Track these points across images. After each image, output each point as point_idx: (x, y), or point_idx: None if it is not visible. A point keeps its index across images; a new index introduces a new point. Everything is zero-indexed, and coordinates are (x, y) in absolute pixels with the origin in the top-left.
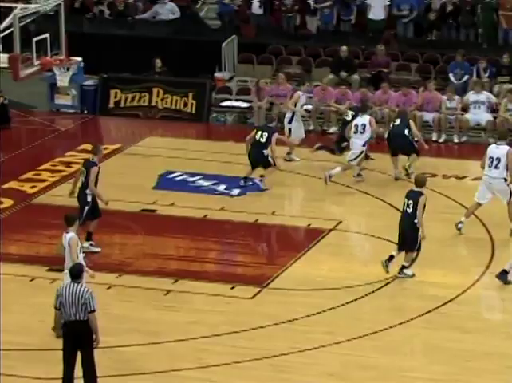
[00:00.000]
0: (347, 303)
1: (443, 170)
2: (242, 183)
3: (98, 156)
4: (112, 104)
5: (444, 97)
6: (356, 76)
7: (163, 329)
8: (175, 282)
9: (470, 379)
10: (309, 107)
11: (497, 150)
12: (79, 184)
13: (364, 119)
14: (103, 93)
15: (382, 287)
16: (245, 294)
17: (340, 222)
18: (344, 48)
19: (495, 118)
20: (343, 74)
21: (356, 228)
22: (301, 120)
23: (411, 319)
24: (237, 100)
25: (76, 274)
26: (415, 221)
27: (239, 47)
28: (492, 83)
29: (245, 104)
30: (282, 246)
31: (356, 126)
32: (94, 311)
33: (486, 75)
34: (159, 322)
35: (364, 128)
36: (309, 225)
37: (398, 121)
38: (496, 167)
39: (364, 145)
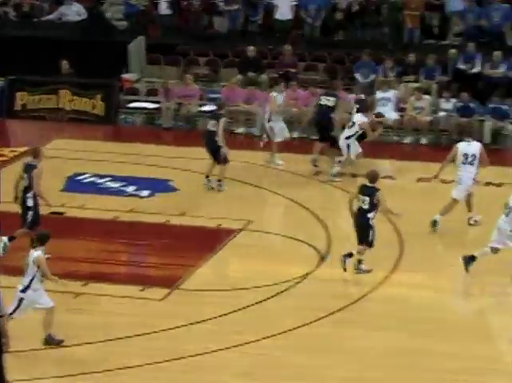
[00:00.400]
0: (257, 303)
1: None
2: (205, 182)
3: (39, 159)
4: (18, 107)
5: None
6: (264, 77)
7: (72, 332)
8: (84, 284)
9: (382, 376)
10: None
11: (470, 147)
12: (21, 188)
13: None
14: (9, 96)
15: (292, 286)
16: (155, 295)
17: (250, 222)
18: (251, 48)
19: (402, 116)
20: (251, 74)
21: (267, 228)
22: (281, 120)
23: (322, 317)
24: (145, 101)
25: None
26: (369, 216)
27: (147, 48)
28: (398, 82)
29: (153, 105)
30: (192, 247)
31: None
32: (2, 316)
33: (393, 74)
34: (69, 325)
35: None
36: (220, 225)
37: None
38: (471, 163)
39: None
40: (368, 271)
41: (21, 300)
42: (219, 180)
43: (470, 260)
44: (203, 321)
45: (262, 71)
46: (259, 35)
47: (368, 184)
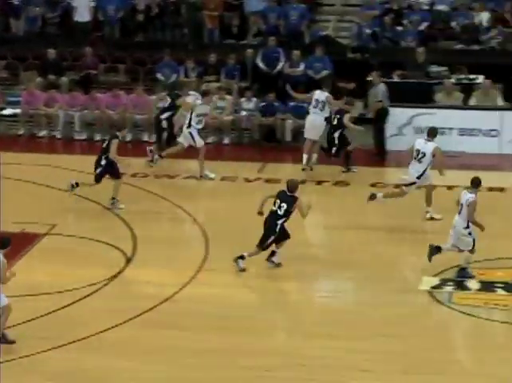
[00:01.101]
0: (64, 307)
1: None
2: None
3: None
4: None
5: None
6: (64, 79)
7: None
8: None
9: (191, 375)
10: (18, 111)
11: (424, 145)
12: None
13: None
14: None
15: (99, 289)
16: None
17: (54, 225)
18: (51, 50)
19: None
20: (51, 77)
21: (71, 231)
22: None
23: (130, 319)
24: None
25: None
26: (279, 222)
27: None
28: (200, 82)
29: None
30: None
31: None
32: None
33: (194, 74)
34: None
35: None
36: (24, 230)
37: None
38: (419, 161)
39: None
40: (278, 265)
41: None
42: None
43: (435, 251)
44: (9, 327)
45: (62, 73)
46: (59, 37)
47: (288, 193)
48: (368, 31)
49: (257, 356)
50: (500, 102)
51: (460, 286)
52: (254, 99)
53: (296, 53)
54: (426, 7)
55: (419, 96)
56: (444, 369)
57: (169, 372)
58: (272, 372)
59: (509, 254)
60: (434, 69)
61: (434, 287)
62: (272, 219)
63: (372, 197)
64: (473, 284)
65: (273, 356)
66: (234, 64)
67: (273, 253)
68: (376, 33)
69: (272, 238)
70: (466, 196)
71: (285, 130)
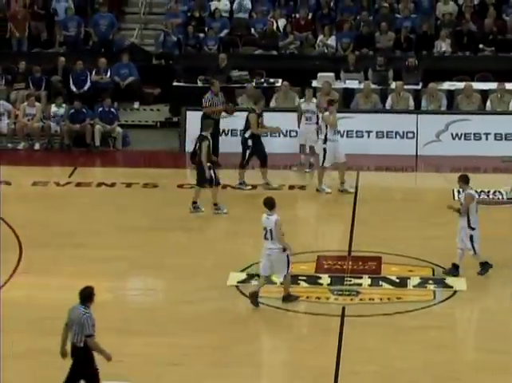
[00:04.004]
0: None
1: None
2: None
3: None
4: None
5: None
6: None
7: None
8: None
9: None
10: None
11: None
12: None
13: None
14: None
15: None
16: None
17: None
18: None
19: (15, 123)
20: None
21: None
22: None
23: None
24: None
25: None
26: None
27: None
28: (9, 90)
29: None
30: None
31: None
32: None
33: (3, 82)
34: None
35: None
36: None
37: None
38: None
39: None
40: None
41: None
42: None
43: (454, 271)
44: None
45: None
46: None
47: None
48: (172, 38)
49: None
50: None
51: (265, 280)
52: (64, 105)
53: (102, 60)
54: (226, 15)
55: None
56: (256, 360)
57: None
58: None
59: (311, 249)
60: (235, 73)
61: (240, 282)
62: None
63: None
64: (277, 278)
65: None
66: (41, 73)
67: None
68: (179, 40)
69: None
70: None
71: (95, 135)
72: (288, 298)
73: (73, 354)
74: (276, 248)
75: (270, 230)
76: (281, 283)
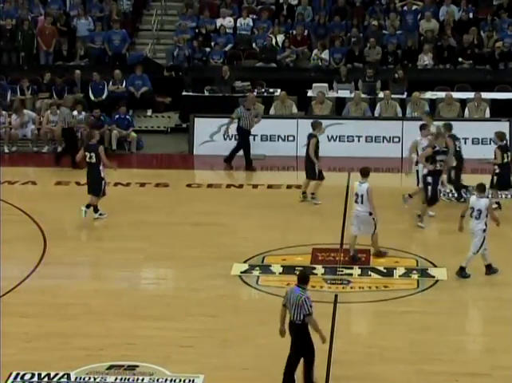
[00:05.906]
0: None
1: None
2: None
3: None
4: None
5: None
6: None
7: None
8: None
9: (31, 358)
10: None
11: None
12: None
13: None
14: None
15: None
16: None
17: None
18: None
19: (39, 129)
20: None
21: None
22: None
23: None
24: None
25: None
26: None
27: None
28: (35, 99)
29: None
30: None
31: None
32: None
33: (29, 92)
34: None
35: None
36: None
37: None
38: None
39: None
40: None
41: None
42: (313, 193)
43: (462, 273)
44: None
45: None
46: None
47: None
48: (184, 52)
49: (90, 337)
50: (295, 111)
51: (265, 270)
52: (83, 113)
53: (117, 72)
54: (230, 31)
55: (226, 107)
56: (257, 342)
57: (10, 355)
58: (104, 350)
59: (307, 242)
60: (238, 84)
61: (243, 272)
62: None
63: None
64: (276, 268)
65: (105, 337)
66: (63, 83)
67: None
68: (188, 53)
69: None
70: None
71: (112, 139)
72: (378, 254)
73: (292, 331)
74: (363, 211)
75: (362, 195)
76: (371, 240)
